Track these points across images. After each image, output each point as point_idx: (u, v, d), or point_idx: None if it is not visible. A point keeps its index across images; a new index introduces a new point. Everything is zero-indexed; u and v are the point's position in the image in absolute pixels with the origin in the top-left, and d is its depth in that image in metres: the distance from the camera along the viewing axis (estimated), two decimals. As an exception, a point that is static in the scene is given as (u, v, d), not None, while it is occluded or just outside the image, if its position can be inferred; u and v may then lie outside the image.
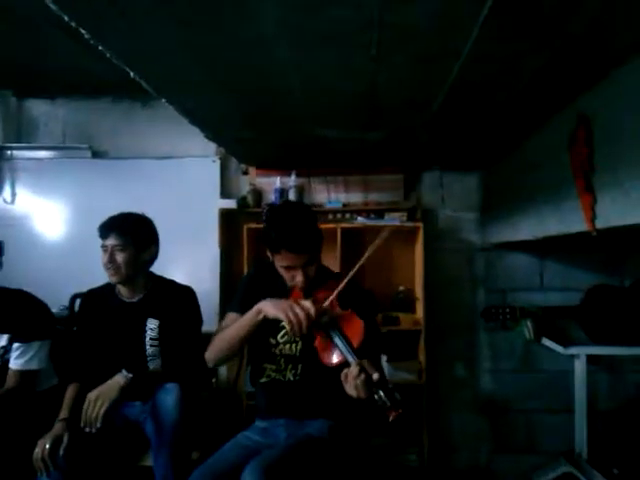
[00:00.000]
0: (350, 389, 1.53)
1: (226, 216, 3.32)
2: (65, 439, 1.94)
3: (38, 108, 3.45)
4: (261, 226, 3.05)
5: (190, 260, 3.27)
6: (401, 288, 3.29)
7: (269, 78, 1.69)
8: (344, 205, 3.38)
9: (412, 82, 1.82)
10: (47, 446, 1.90)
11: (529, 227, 2.60)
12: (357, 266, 1.75)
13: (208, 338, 2.00)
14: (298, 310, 1.66)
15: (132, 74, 1.56)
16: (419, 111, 2.15)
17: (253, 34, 1.35)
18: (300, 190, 3.35)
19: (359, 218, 3.25)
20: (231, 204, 3.31)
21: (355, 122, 2.35)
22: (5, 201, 3.34)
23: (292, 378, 1.92)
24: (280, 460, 1.64)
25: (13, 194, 3.35)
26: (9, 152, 3.37)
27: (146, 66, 1.53)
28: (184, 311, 2.28)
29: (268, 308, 1.73)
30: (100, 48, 1.36)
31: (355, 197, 3.41)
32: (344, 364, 1.59)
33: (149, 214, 2.35)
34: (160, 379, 2.10)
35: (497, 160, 3.13)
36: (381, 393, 1.48)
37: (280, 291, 1.93)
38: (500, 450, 3.38)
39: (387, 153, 3.06)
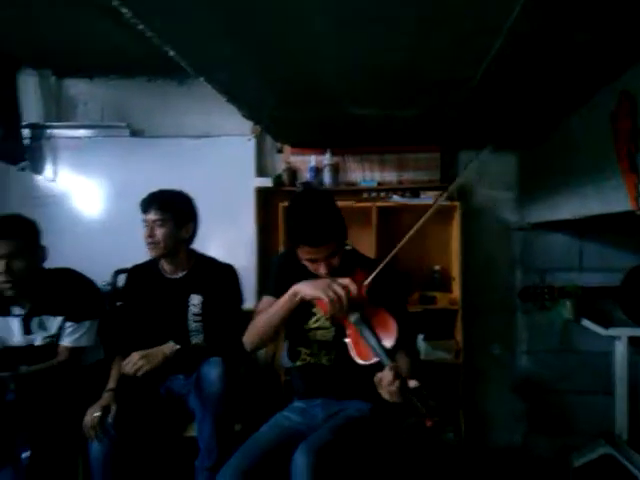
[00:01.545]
0: (384, 394, 1.50)
1: (262, 194, 3.34)
2: (113, 408, 2.02)
3: (77, 87, 3.50)
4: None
5: (227, 238, 3.30)
6: (437, 267, 3.27)
7: (306, 56, 1.68)
8: (379, 184, 3.36)
9: (450, 59, 1.79)
10: (96, 414, 1.98)
11: (570, 206, 2.55)
12: (387, 258, 1.74)
13: (246, 316, 2.03)
14: (337, 287, 1.64)
15: (171, 53, 1.56)
16: (457, 88, 2.12)
17: (292, 12, 1.34)
18: (335, 169, 3.34)
19: (394, 197, 3.24)
20: (267, 182, 3.33)
21: (391, 100, 2.33)
22: (47, 179, 3.42)
23: (327, 363, 1.92)
24: (329, 442, 1.66)
25: (55, 172, 3.42)
26: (49, 131, 3.42)
27: (185, 46, 1.53)
28: (226, 288, 2.32)
29: (306, 289, 1.70)
30: (140, 27, 1.36)
31: (390, 176, 3.38)
32: (377, 364, 1.56)
33: (185, 192, 2.37)
34: (203, 353, 2.15)
35: (537, 138, 3.07)
36: (416, 400, 1.42)
37: (311, 277, 1.86)
38: (536, 430, 3.37)
39: (423, 131, 3.02)
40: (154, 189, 2.32)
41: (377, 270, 1.74)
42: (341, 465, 1.63)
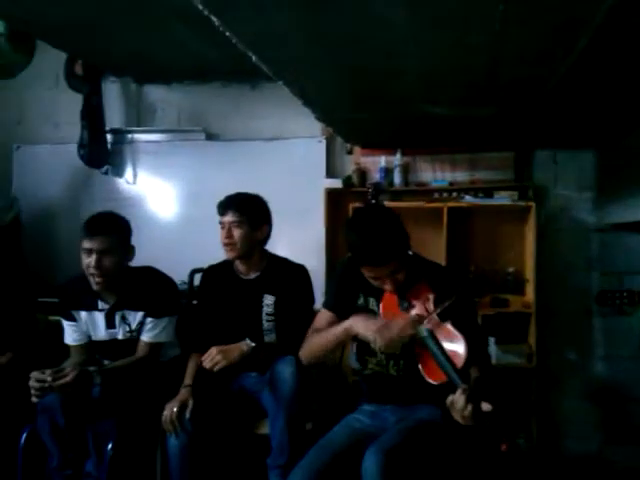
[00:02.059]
0: (456, 417, 1.48)
1: (332, 195, 3.35)
2: (190, 404, 2.09)
3: (156, 93, 3.63)
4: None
5: (297, 239, 3.33)
6: (510, 269, 3.19)
7: (387, 57, 1.69)
8: (450, 184, 3.32)
9: (534, 56, 1.74)
10: (174, 410, 2.06)
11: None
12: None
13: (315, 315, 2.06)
14: (389, 333, 1.64)
15: (254, 59, 1.60)
16: (538, 85, 2.06)
17: (375, 14, 1.35)
18: (405, 169, 3.32)
19: (466, 197, 3.18)
20: (336, 184, 3.35)
21: (467, 99, 2.30)
22: (127, 182, 3.58)
23: (395, 373, 1.91)
24: (399, 444, 1.66)
25: (134, 175, 3.58)
26: (130, 136, 3.58)
27: (268, 51, 1.58)
28: (298, 288, 2.36)
29: (359, 328, 1.73)
30: (227, 34, 1.41)
31: (462, 175, 3.33)
32: (449, 383, 1.54)
33: (257, 194, 2.42)
34: (277, 351, 2.19)
35: (616, 137, 2.94)
36: (490, 425, 1.43)
37: (377, 288, 1.87)
38: (613, 440, 3.23)
39: (497, 130, 2.96)
40: (228, 191, 2.39)
41: (448, 302, 1.69)
42: (411, 467, 1.63)
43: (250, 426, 2.30)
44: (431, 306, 1.72)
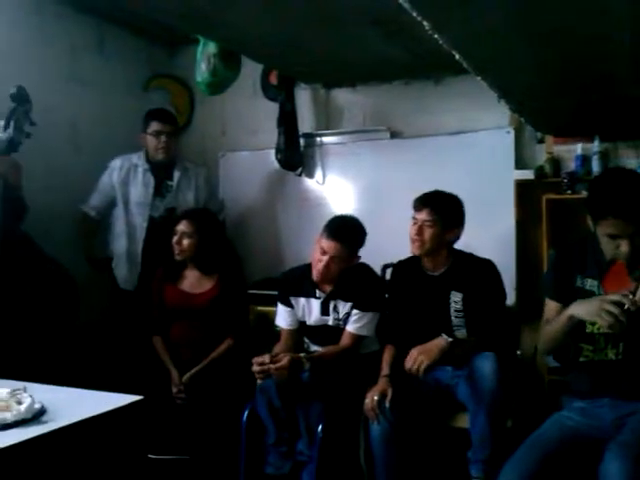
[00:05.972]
0: None
1: (522, 187, 3.22)
2: (390, 393, 2.18)
3: (342, 97, 3.78)
4: (562, 197, 2.97)
5: (484, 234, 3.25)
6: None
7: (597, 43, 1.61)
8: (658, 170, 3.02)
9: None
10: (375, 398, 2.16)
11: None
12: None
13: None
14: (610, 307, 1.57)
15: (457, 56, 1.63)
16: None
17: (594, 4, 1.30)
18: (604, 156, 3.08)
19: (679, 184, 2.87)
20: (527, 175, 3.21)
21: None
22: (317, 182, 3.78)
23: (614, 357, 1.82)
24: None
25: (324, 175, 3.77)
26: (319, 139, 3.78)
27: (473, 49, 1.60)
28: (487, 284, 2.35)
29: (581, 312, 1.70)
30: (435, 37, 1.46)
31: (671, 160, 3.02)
32: None
33: (443, 189, 2.43)
34: (474, 347, 2.21)
35: None
36: None
37: (595, 267, 1.84)
38: None
39: None
40: (414, 188, 2.45)
41: None
42: None
43: (446, 419, 2.33)
44: None
